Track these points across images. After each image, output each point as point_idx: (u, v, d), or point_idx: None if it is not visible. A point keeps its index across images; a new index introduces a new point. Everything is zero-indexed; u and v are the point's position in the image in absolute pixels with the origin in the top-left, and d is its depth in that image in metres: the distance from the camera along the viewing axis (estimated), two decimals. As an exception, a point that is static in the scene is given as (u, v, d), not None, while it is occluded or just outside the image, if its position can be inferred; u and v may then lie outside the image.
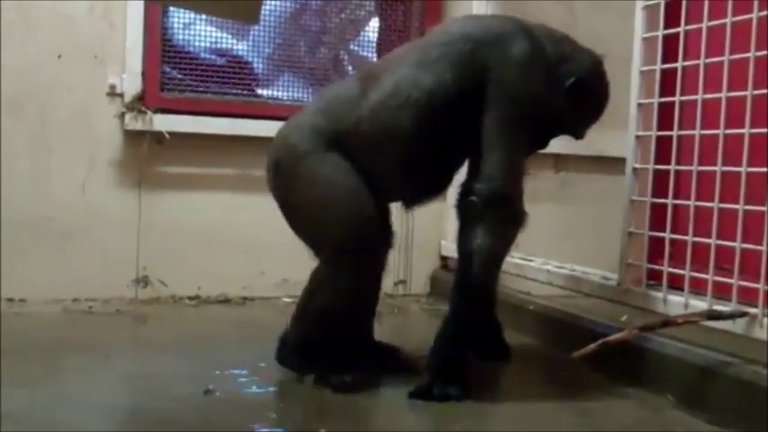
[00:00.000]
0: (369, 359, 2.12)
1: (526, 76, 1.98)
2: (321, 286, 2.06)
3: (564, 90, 2.05)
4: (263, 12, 3.09)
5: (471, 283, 1.95)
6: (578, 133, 2.22)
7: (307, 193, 2.06)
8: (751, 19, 1.87)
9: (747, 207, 1.85)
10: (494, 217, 1.93)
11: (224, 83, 3.18)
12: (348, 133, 2.04)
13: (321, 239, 2.07)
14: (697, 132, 2.03)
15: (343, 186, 2.03)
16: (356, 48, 3.46)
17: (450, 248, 3.17)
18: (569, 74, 2.05)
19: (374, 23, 3.45)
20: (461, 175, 2.12)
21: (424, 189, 2.20)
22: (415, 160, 2.06)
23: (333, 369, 2.02)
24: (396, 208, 2.22)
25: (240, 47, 3.26)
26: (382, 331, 2.34)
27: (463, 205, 1.99)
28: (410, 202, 2.24)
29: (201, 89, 3.13)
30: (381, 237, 2.08)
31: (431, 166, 2.10)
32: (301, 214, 2.10)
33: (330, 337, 2.05)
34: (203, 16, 3.10)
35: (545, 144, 2.23)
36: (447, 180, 2.19)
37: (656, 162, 2.19)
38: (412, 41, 2.22)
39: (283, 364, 2.11)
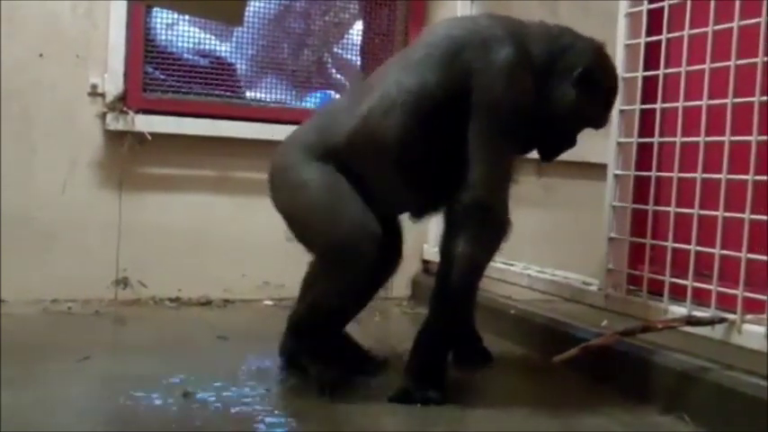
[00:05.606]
0: (338, 353, 2.13)
1: (509, 84, 1.92)
2: (316, 281, 2.11)
3: (572, 81, 2.00)
4: (246, 13, 3.09)
5: (451, 291, 1.94)
6: (598, 123, 2.14)
7: (294, 200, 2.09)
8: (732, 27, 1.89)
9: (727, 214, 1.87)
10: (475, 226, 1.92)
11: (206, 84, 3.15)
12: (341, 146, 2.04)
13: (311, 244, 2.10)
14: (678, 139, 2.05)
15: (328, 193, 2.03)
16: (340, 50, 3.46)
17: (432, 252, 3.17)
18: (574, 65, 2.00)
19: (358, 26, 3.44)
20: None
21: (427, 198, 2.13)
22: (410, 167, 2.01)
23: (312, 360, 2.05)
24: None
25: (223, 48, 3.25)
26: (363, 335, 2.34)
27: (447, 213, 1.99)
28: (416, 212, 2.20)
29: (184, 90, 3.11)
30: (370, 241, 1.97)
31: (429, 174, 2.03)
32: (293, 220, 2.11)
33: (316, 330, 2.08)
34: (186, 17, 3.08)
35: (570, 141, 2.14)
36: (454, 188, 2.04)
37: (638, 168, 2.21)
38: (404, 48, 2.20)
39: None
